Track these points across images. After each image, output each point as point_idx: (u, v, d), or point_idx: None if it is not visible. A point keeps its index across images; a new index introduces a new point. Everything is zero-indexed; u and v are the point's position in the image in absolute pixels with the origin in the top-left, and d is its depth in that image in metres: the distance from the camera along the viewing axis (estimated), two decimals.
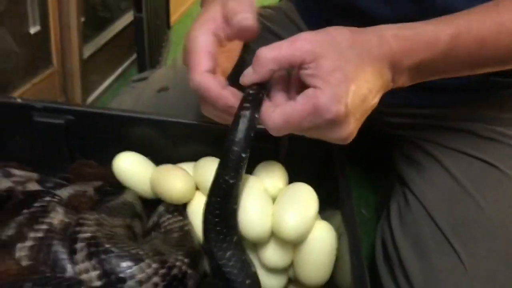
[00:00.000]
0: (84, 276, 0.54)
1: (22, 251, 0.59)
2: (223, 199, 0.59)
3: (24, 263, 0.58)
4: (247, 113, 0.56)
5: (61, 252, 0.58)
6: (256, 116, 0.57)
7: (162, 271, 0.55)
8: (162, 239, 0.61)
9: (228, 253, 0.60)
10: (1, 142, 0.71)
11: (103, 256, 0.54)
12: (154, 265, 0.54)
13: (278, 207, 0.62)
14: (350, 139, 0.57)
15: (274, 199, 0.64)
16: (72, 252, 0.56)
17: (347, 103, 0.53)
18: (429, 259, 0.73)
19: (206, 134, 0.71)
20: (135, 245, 0.57)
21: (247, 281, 0.60)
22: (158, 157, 0.70)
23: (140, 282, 0.53)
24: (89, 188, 0.70)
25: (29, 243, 0.59)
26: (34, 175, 0.72)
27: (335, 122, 0.53)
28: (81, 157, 0.69)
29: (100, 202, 0.67)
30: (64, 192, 0.69)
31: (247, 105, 0.57)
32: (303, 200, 0.62)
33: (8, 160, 0.72)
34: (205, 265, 0.62)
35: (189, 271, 0.57)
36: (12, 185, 0.68)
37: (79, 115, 0.70)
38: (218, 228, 0.59)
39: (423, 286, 0.72)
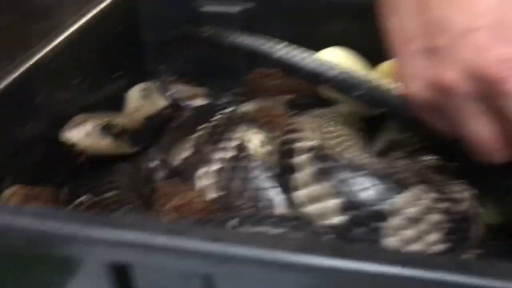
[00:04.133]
0: (312, 209, 0.33)
1: (205, 178, 0.40)
2: None
3: (210, 194, 0.39)
4: None
5: (264, 178, 0.38)
6: None
7: (445, 205, 0.32)
8: (416, 162, 0.38)
9: None
10: (160, 50, 0.53)
11: (345, 175, 0.32)
12: (433, 195, 0.32)
13: None
14: None
15: None
16: (285, 172, 0.35)
17: None
18: None
19: None
20: (387, 162, 0.35)
21: None
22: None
23: (411, 220, 0.31)
24: (277, 103, 0.50)
25: (214, 166, 0.40)
26: (202, 90, 0.54)
27: None
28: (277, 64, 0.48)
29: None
30: (245, 108, 0.49)
31: None
32: None
33: (170, 74, 0.54)
34: None
35: (474, 210, 0.34)
36: (177, 102, 0.51)
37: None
38: None
39: None
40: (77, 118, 0.42)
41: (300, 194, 0.34)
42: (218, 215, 0.36)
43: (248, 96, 0.54)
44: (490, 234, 0.39)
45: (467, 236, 0.33)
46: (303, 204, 0.34)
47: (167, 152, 0.44)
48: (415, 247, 0.31)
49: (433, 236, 0.31)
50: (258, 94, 0.54)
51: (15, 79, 0.39)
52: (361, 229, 0.31)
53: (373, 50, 0.50)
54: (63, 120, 0.42)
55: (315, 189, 0.33)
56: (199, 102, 0.52)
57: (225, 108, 0.45)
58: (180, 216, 0.39)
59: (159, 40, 0.53)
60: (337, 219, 0.32)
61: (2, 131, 0.37)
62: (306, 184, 0.33)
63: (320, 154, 0.34)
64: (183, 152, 0.42)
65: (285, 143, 0.37)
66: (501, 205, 0.37)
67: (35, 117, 0.41)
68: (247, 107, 0.49)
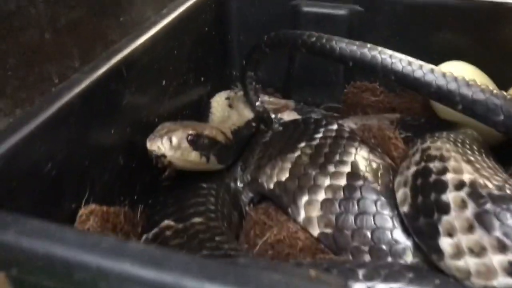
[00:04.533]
0: (464, 263, 0.26)
1: (310, 208, 0.33)
2: None
3: (316, 230, 0.32)
4: None
5: (387, 216, 0.32)
6: None
7: None
8: None
9: None
10: (249, 55, 0.47)
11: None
12: None
13: None
14: None
15: None
16: (422, 211, 0.28)
17: None
18: None
19: None
20: None
21: None
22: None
23: None
24: (382, 122, 0.43)
25: (322, 195, 0.33)
26: (291, 103, 0.48)
27: None
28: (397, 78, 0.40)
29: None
30: (347, 126, 0.42)
31: None
32: None
33: (256, 82, 0.48)
34: None
35: None
36: (265, 114, 0.44)
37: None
38: None
39: None
40: (164, 126, 0.36)
41: (452, 242, 0.27)
42: (335, 260, 0.29)
43: (342, 112, 0.48)
44: None
45: None
46: (452, 256, 0.27)
47: (258, 172, 0.38)
48: None
49: None
50: (355, 110, 0.47)
51: (97, 79, 0.34)
52: None
53: (497, 68, 0.43)
54: (144, 126, 0.37)
55: (476, 238, 0.26)
56: (288, 115, 0.46)
57: (325, 124, 0.39)
58: (277, 253, 0.32)
59: (248, 43, 0.47)
60: (501, 281, 0.25)
61: (81, 137, 0.32)
62: (464, 231, 0.26)
63: (479, 192, 0.26)
64: (280, 174, 0.36)
65: (424, 173, 0.30)
66: None
67: (116, 122, 0.35)
68: (349, 124, 0.43)
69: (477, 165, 0.29)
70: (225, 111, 0.43)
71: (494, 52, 0.42)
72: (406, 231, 0.31)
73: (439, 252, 0.27)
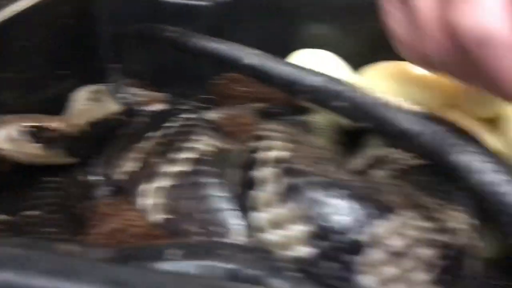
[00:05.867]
0: (273, 236, 0.27)
1: (148, 195, 0.33)
2: None
3: (154, 216, 0.32)
4: None
5: (219, 197, 0.32)
6: None
7: (439, 237, 0.25)
8: (401, 179, 0.32)
9: None
10: (115, 47, 0.47)
11: (316, 195, 0.26)
12: (422, 224, 0.25)
13: None
14: None
15: None
16: (245, 189, 0.29)
17: None
18: None
19: None
20: (367, 183, 0.29)
21: None
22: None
23: (394, 254, 0.25)
24: (246, 112, 0.43)
25: (160, 182, 0.33)
26: (161, 95, 0.47)
27: None
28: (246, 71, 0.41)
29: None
30: (208, 116, 0.43)
31: None
32: None
33: (125, 75, 0.47)
34: None
35: (478, 243, 0.28)
36: (131, 107, 0.44)
37: None
38: None
39: None
40: (2, 119, 0.35)
41: (261, 216, 0.27)
42: (154, 244, 0.29)
43: (213, 103, 0.48)
44: (488, 270, 0.33)
45: (463, 275, 0.27)
46: (263, 229, 0.27)
47: (110, 163, 0.37)
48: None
49: (421, 276, 0.25)
50: (225, 101, 0.48)
51: None
52: (331, 263, 0.25)
53: (356, 55, 0.44)
54: None
55: (279, 211, 0.26)
56: (156, 107, 0.45)
57: (183, 114, 0.39)
58: (116, 242, 0.32)
59: (119, 36, 0.46)
60: (303, 251, 0.25)
61: None
62: (268, 204, 0.27)
63: (288, 168, 0.27)
64: (127, 164, 0.36)
65: (247, 153, 0.30)
66: (502, 236, 0.31)
67: None
68: (212, 114, 0.43)
69: (300, 146, 0.30)
70: (86, 104, 0.42)
71: (350, 39, 0.44)
72: (242, 213, 0.31)
73: (258, 226, 0.28)
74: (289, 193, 0.26)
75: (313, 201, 0.25)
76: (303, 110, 0.41)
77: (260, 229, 0.27)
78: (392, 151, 0.35)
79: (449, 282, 0.26)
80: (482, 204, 0.30)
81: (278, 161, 0.28)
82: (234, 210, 0.30)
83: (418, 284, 0.25)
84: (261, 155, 0.29)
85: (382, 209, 0.25)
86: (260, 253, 0.27)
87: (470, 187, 0.30)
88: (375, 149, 0.36)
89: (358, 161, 0.38)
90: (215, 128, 0.38)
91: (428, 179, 0.31)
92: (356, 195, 0.25)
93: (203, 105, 0.47)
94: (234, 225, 0.30)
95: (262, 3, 0.46)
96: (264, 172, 0.28)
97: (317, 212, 0.25)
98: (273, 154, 0.28)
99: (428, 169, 0.32)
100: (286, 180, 0.26)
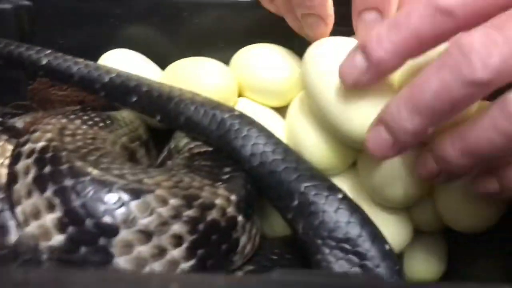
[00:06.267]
0: (31, 228, 0.26)
1: None
2: None
3: None
4: None
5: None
6: None
7: (189, 212, 0.27)
8: (185, 165, 0.33)
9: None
10: None
11: (69, 181, 0.26)
12: (174, 201, 0.27)
13: None
14: None
15: None
16: (11, 183, 0.28)
17: None
18: None
19: None
20: (136, 168, 0.30)
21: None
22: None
23: (147, 234, 0.26)
24: (59, 115, 0.43)
25: None
26: None
27: None
28: (46, 72, 0.40)
29: None
30: (19, 123, 0.42)
31: None
32: None
33: None
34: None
35: (240, 218, 0.29)
36: None
37: None
38: None
39: None
40: None
41: (20, 210, 0.27)
42: None
43: (31, 109, 0.47)
44: (279, 247, 0.35)
45: (223, 250, 0.28)
46: (24, 223, 0.27)
47: None
48: (155, 267, 0.26)
49: (175, 252, 0.26)
50: (44, 106, 0.47)
51: None
52: (86, 248, 0.25)
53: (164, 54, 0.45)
54: None
55: (34, 202, 0.26)
56: None
57: None
58: None
59: None
60: (57, 237, 0.25)
61: None
62: (26, 196, 0.27)
63: (45, 156, 0.27)
64: None
65: (14, 148, 0.30)
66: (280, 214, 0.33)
67: None
68: (21, 121, 0.42)
69: (74, 138, 0.30)
70: None
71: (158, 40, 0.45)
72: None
73: (20, 221, 0.27)
74: (42, 182, 0.26)
75: (61, 188, 0.25)
76: (115, 109, 0.42)
77: (23, 224, 0.27)
78: (189, 141, 0.36)
79: (205, 257, 0.27)
80: (260, 183, 0.33)
81: (41, 152, 0.28)
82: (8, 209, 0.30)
83: (174, 262, 0.26)
84: (26, 147, 0.28)
85: (134, 190, 0.26)
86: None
87: (250, 168, 0.33)
88: (173, 142, 0.37)
89: (161, 155, 0.39)
90: (17, 133, 0.37)
91: (208, 164, 0.32)
92: (105, 180, 0.26)
93: (19, 111, 0.46)
94: (11, 225, 0.30)
95: (64, 5, 0.45)
96: (24, 164, 0.27)
97: (65, 199, 0.25)
98: (37, 144, 0.28)
99: (212, 154, 0.34)
100: (40, 170, 0.26)
